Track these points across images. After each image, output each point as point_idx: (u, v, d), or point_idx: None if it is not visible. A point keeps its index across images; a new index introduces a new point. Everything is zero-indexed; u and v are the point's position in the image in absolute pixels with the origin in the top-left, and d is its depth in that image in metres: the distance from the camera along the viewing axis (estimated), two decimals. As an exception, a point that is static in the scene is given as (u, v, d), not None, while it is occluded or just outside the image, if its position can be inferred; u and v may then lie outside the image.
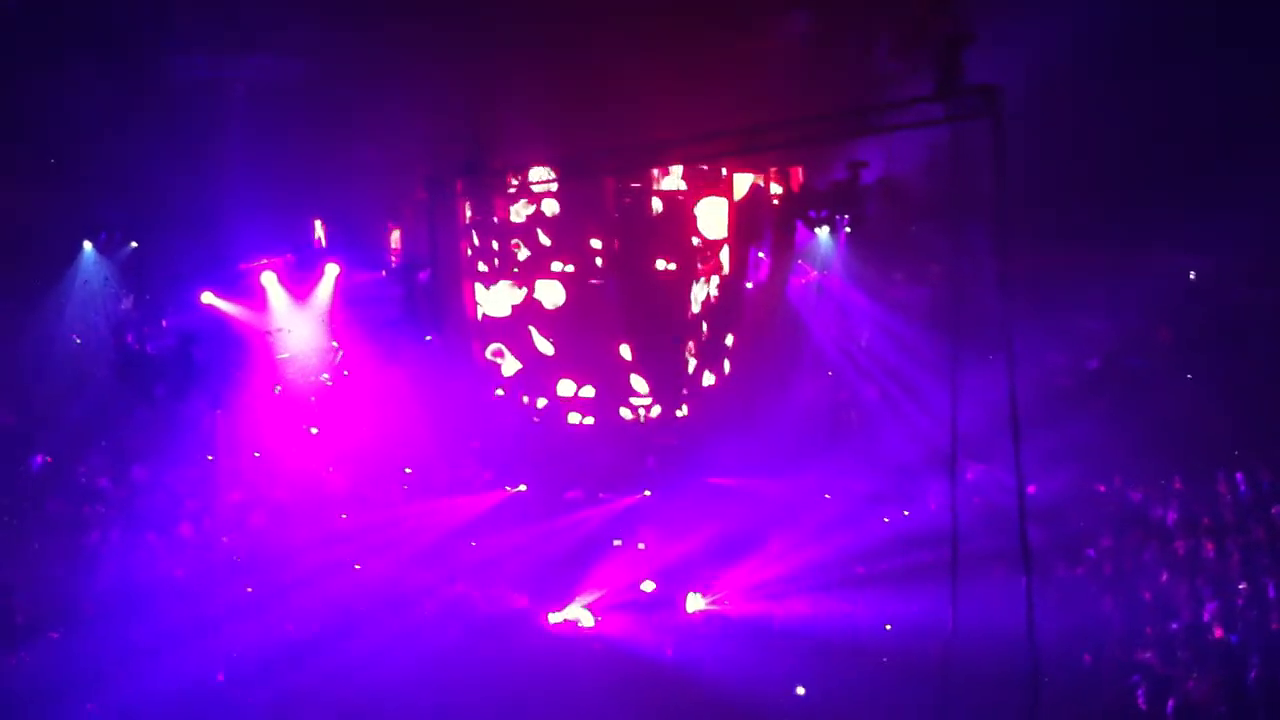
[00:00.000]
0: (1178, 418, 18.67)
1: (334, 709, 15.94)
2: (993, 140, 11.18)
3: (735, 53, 13.38)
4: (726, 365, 19.05)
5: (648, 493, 19.50)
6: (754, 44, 13.20)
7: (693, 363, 18.18)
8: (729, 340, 18.79)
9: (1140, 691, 15.21)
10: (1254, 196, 16.04)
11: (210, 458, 19.57)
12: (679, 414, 18.87)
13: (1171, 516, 17.95)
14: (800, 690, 15.92)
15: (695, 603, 19.22)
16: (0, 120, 15.97)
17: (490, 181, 16.82)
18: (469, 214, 18.06)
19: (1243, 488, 18.27)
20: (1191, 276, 19.35)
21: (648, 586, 18.97)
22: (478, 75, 13.96)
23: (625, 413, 18.50)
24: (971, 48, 10.94)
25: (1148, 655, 15.64)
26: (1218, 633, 15.87)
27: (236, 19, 13.24)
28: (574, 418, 18.51)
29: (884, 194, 17.07)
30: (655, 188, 17.39)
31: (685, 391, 18.47)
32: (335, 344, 19.82)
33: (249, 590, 17.66)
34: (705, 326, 18.04)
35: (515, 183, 17.31)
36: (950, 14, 10.64)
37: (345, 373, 20.49)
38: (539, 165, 17.32)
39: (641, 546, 19.22)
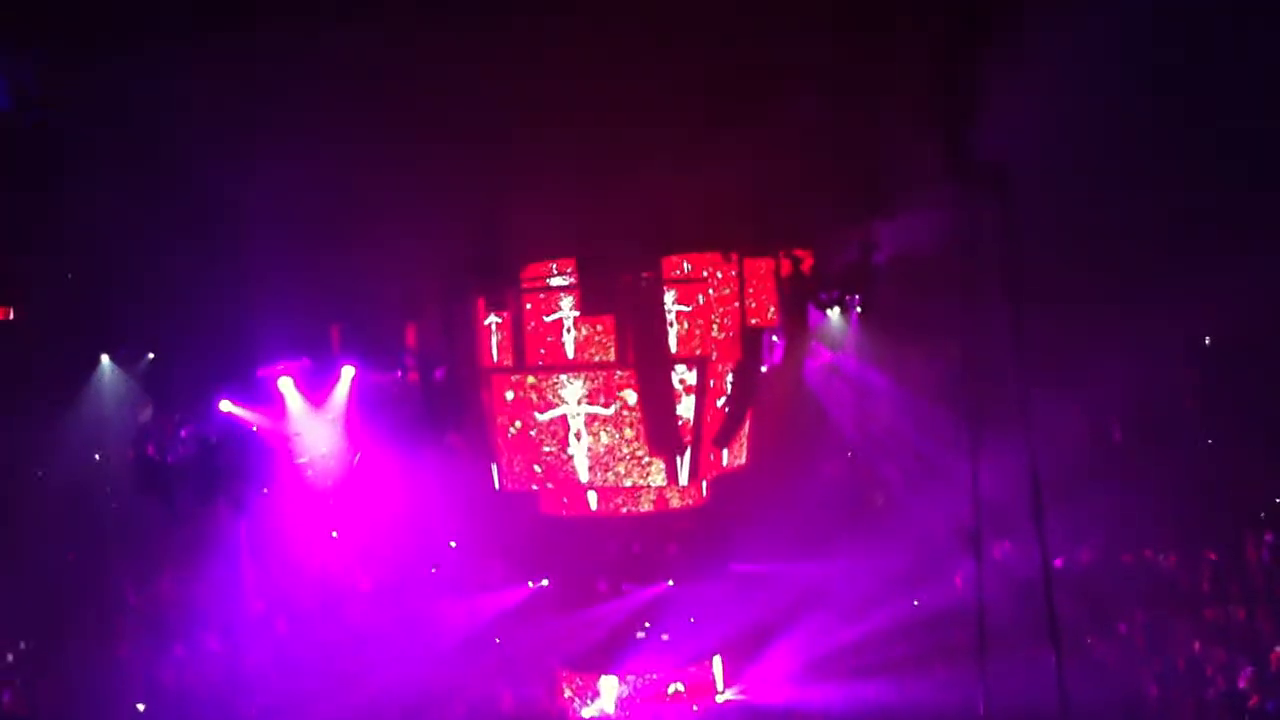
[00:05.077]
0: (1203, 483, 18.67)
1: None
2: (1003, 217, 11.27)
3: (746, 139, 13.53)
4: (745, 451, 19.06)
5: (671, 582, 19.43)
6: (764, 131, 13.35)
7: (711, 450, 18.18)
8: (747, 426, 18.82)
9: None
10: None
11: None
12: (699, 501, 18.86)
13: (1203, 584, 17.88)
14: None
15: (725, 692, 19.08)
16: (13, 233, 16.10)
17: (507, 279, 17.00)
18: (490, 314, 18.18)
19: (1266, 553, 18.22)
20: (1206, 342, 19.45)
21: (677, 678, 18.83)
22: (493, 176, 14.11)
23: (647, 501, 18.50)
24: (984, 112, 11.06)
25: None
26: (1254, 700, 15.76)
27: (259, 130, 13.41)
28: (592, 499, 18.52)
29: (896, 272, 17.15)
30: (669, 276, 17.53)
31: (705, 479, 18.46)
32: (356, 454, 19.89)
33: (277, 700, 17.53)
34: (723, 413, 18.06)
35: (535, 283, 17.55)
36: (958, 93, 10.79)
37: (361, 474, 20.56)
38: (553, 260, 17.54)
39: (665, 638, 19.10)
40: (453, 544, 21.24)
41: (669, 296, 17.54)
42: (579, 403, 17.74)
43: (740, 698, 18.91)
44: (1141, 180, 16.91)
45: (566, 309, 17.81)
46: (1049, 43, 12.77)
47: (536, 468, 18.21)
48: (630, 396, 17.46)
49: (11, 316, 18.24)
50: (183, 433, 18.08)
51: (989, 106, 10.92)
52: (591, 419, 17.73)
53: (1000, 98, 11.26)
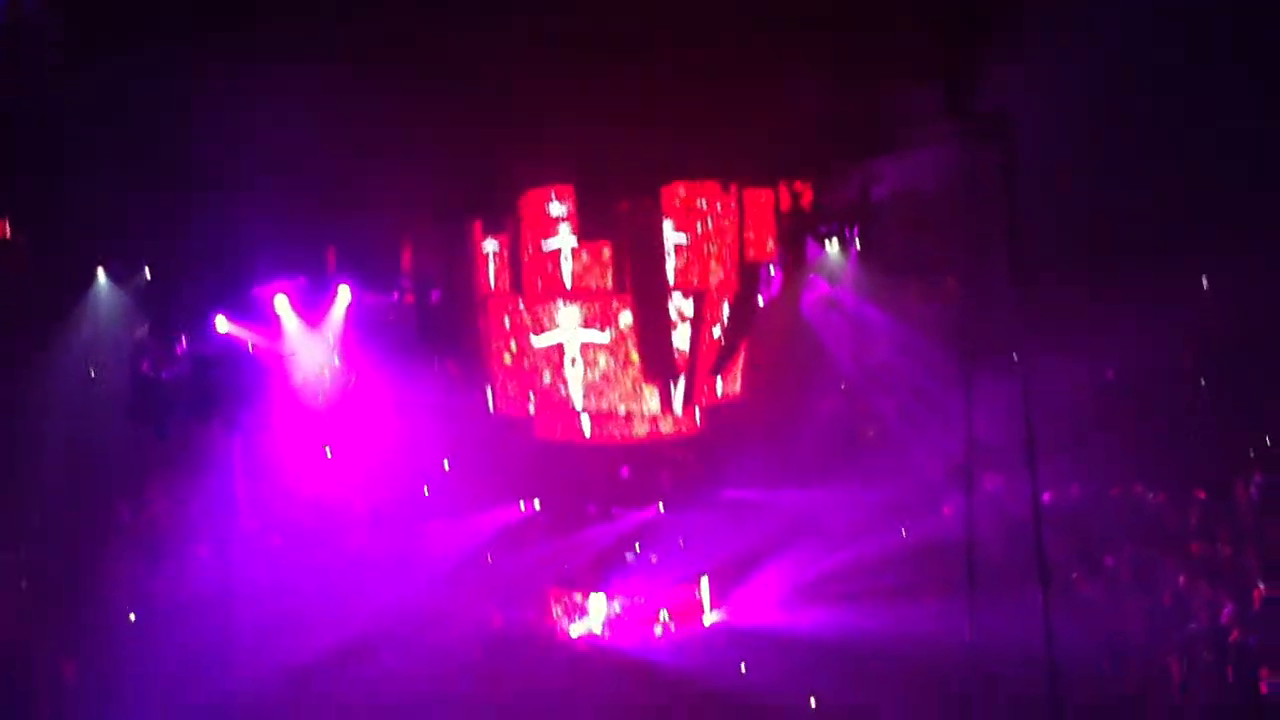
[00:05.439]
0: (1195, 423, 18.84)
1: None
2: (1003, 162, 11.26)
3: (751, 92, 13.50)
4: (740, 381, 19.09)
5: (662, 507, 19.57)
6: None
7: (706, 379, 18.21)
8: (742, 356, 18.83)
9: (1161, 696, 15.30)
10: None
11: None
12: (693, 429, 18.92)
13: (1191, 520, 18.04)
14: (813, 702, 15.96)
15: (712, 615, 19.31)
16: (10, 160, 16.00)
17: (504, 205, 16.90)
18: (488, 238, 18.09)
19: (1255, 492, 18.35)
20: (1204, 284, 19.49)
21: (665, 600, 19.04)
22: (493, 101, 13.99)
23: (640, 428, 18.54)
24: (994, 75, 11.04)
25: (1169, 660, 15.73)
26: (1234, 635, 15.96)
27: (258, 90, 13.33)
28: (586, 424, 18.55)
29: (896, 209, 17.12)
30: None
31: (699, 407, 18.51)
32: (352, 376, 19.92)
33: (271, 618, 17.68)
34: (719, 343, 18.06)
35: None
36: (965, 46, 10.72)
37: (357, 395, 20.62)
38: (553, 185, 17.40)
39: (654, 559, 19.29)
40: (446, 465, 21.33)
41: (667, 225, 17.45)
42: (575, 329, 17.72)
43: (727, 620, 19.12)
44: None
45: (565, 234, 17.71)
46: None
47: (531, 393, 18.25)
48: (625, 318, 17.39)
49: (8, 234, 18.15)
50: (178, 350, 18.08)
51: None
52: (587, 346, 17.72)
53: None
